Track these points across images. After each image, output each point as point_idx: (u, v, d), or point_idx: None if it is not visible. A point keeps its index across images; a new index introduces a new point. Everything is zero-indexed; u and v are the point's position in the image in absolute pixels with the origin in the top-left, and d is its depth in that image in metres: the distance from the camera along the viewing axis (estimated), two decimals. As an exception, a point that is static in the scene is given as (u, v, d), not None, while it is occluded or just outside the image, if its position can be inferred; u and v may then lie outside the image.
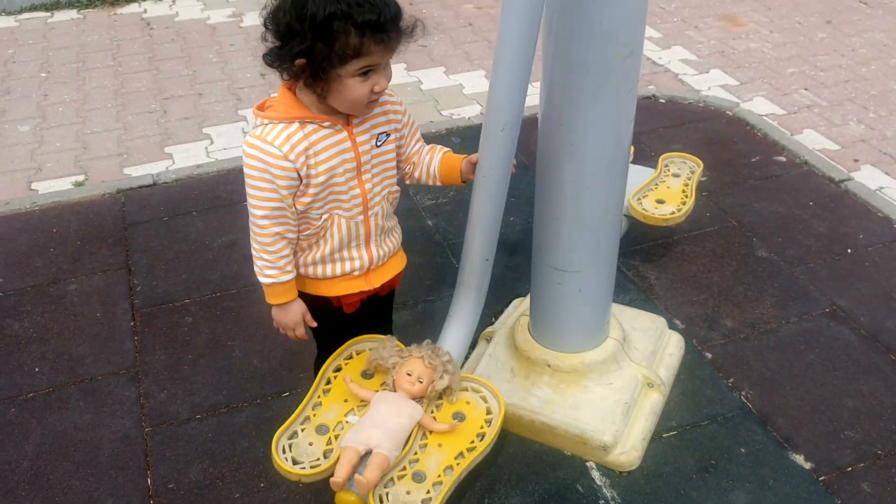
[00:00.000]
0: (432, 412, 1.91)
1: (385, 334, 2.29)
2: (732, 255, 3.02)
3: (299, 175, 1.69)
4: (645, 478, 2.16)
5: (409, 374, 1.88)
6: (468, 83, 4.54)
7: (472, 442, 1.84)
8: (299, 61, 1.59)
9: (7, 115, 4.33)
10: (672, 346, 2.46)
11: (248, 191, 1.69)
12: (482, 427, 1.87)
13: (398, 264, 2.02)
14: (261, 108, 1.72)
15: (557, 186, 1.97)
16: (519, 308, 2.58)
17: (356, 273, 1.90)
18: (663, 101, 4.24)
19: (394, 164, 1.87)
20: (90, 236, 3.24)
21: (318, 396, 1.93)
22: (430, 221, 3.26)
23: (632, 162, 3.09)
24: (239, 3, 5.69)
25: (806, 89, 4.41)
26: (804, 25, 5.25)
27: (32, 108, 4.38)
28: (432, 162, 1.91)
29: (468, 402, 1.93)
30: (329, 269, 1.88)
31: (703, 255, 3.03)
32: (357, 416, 1.88)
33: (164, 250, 3.14)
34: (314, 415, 1.89)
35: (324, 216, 1.79)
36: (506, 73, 1.67)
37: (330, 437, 1.83)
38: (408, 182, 1.98)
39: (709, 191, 3.40)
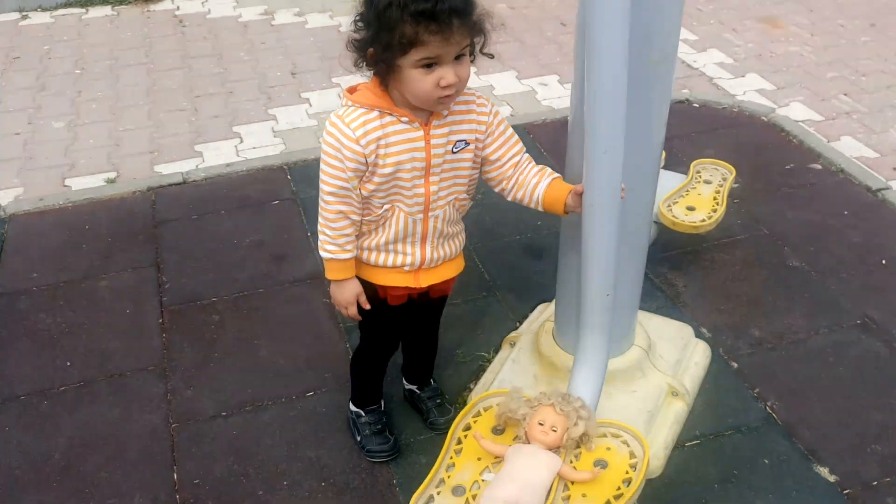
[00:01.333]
0: (571, 461, 1.83)
1: (428, 339, 2.32)
2: (763, 263, 2.99)
3: (367, 161, 1.72)
4: (666, 486, 2.15)
5: (541, 424, 1.81)
6: (499, 84, 4.53)
7: (619, 489, 1.75)
8: (370, 50, 1.64)
9: (42, 111, 4.40)
10: (698, 356, 2.44)
11: (321, 166, 1.75)
12: (627, 472, 1.79)
13: (451, 271, 2.02)
14: (351, 91, 1.75)
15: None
16: (544, 313, 2.58)
17: (406, 268, 1.92)
18: (697, 105, 4.20)
19: (468, 172, 1.84)
20: (121, 233, 3.29)
21: (451, 457, 1.88)
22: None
23: (663, 167, 3.07)
24: (271, 1, 5.73)
25: (846, 95, 4.34)
26: (847, 28, 5.16)
27: (67, 104, 4.45)
28: (538, 187, 1.84)
29: (609, 448, 1.85)
30: (382, 258, 1.90)
31: (732, 263, 3.00)
32: (493, 473, 1.82)
33: (193, 248, 3.17)
34: (448, 476, 1.83)
35: (385, 206, 1.81)
36: (602, 91, 1.61)
37: (467, 499, 1.78)
38: (508, 199, 1.90)
39: (740, 198, 3.35)
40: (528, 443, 1.83)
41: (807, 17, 5.33)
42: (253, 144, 3.98)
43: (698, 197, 2.89)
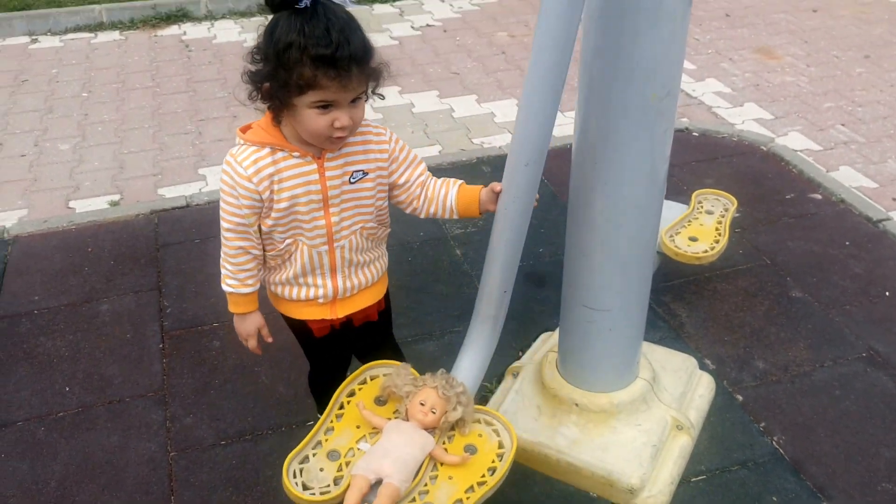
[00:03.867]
0: (444, 444, 1.89)
1: (389, 357, 2.29)
2: (765, 294, 2.98)
3: (262, 198, 1.72)
4: (673, 523, 2.12)
5: (422, 404, 1.86)
6: (500, 111, 4.55)
7: (483, 476, 1.80)
8: (265, 85, 1.63)
9: (49, 133, 4.42)
10: (702, 388, 2.42)
11: (221, 203, 1.77)
12: (493, 461, 1.84)
13: (368, 298, 2.00)
14: (243, 130, 1.77)
15: (590, 223, 1.96)
16: (547, 343, 2.56)
17: (320, 300, 1.92)
18: (696, 134, 4.21)
19: (370, 201, 1.84)
20: (123, 256, 3.28)
21: (331, 421, 1.92)
22: (458, 251, 3.25)
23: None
24: (276, 26, 5.76)
25: (843, 125, 4.36)
26: (841, 59, 5.19)
27: (73, 126, 4.48)
28: (448, 196, 1.89)
29: (480, 435, 1.90)
30: (294, 292, 1.91)
31: (735, 293, 2.98)
32: (369, 443, 1.87)
33: (195, 272, 3.17)
34: (326, 440, 1.88)
35: (287, 240, 1.82)
36: (532, 108, 1.67)
37: (341, 464, 1.82)
38: (422, 217, 1.95)
39: (742, 227, 3.35)
40: (407, 419, 1.87)
41: (801, 48, 5.37)
42: (257, 169, 3.98)
43: (700, 227, 2.88)
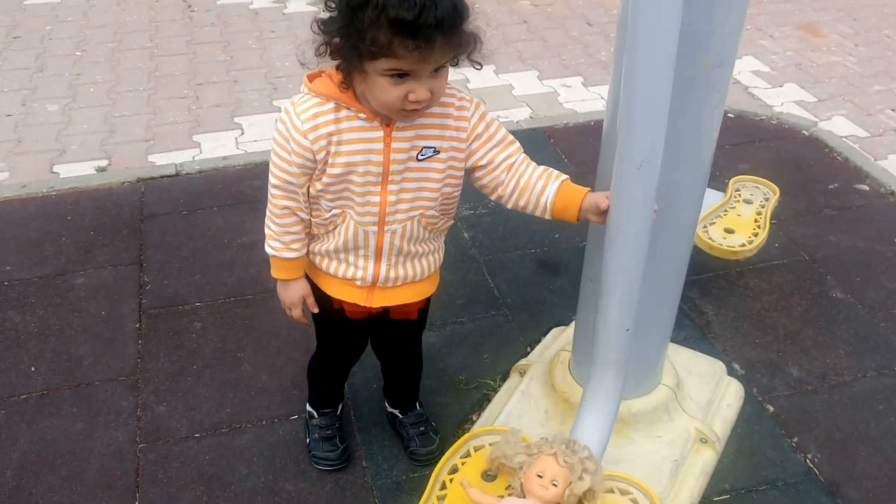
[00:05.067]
0: None
1: (406, 362, 2.06)
2: (803, 293, 2.70)
3: (315, 158, 1.52)
4: (692, 548, 1.89)
5: (540, 476, 1.56)
6: (518, 84, 4.26)
7: None
8: (335, 40, 1.41)
9: (38, 92, 4.18)
10: (730, 396, 2.17)
11: (271, 156, 1.58)
12: None
13: (413, 295, 1.77)
14: (311, 77, 1.53)
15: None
16: (559, 339, 2.31)
17: (357, 282, 1.70)
18: (732, 115, 3.89)
19: (437, 185, 1.60)
20: (105, 226, 3.05)
21: None
22: (466, 234, 2.99)
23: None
24: (284, -12, 5.49)
25: (893, 110, 4.04)
26: (893, 39, 4.86)
27: (64, 87, 4.23)
28: (545, 192, 1.58)
29: None
30: (332, 266, 1.71)
31: (769, 290, 2.71)
32: None
33: (180, 247, 2.93)
34: None
35: (334, 210, 1.60)
36: (642, 93, 1.34)
37: None
38: (509, 207, 1.65)
39: (779, 219, 3.05)
40: (523, 496, 1.58)
41: (850, 26, 5.03)
42: (254, 137, 3.74)
43: (738, 218, 2.61)
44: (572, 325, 2.13)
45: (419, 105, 1.42)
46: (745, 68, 4.48)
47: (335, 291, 1.75)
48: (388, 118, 1.50)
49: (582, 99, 4.10)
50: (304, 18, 5.04)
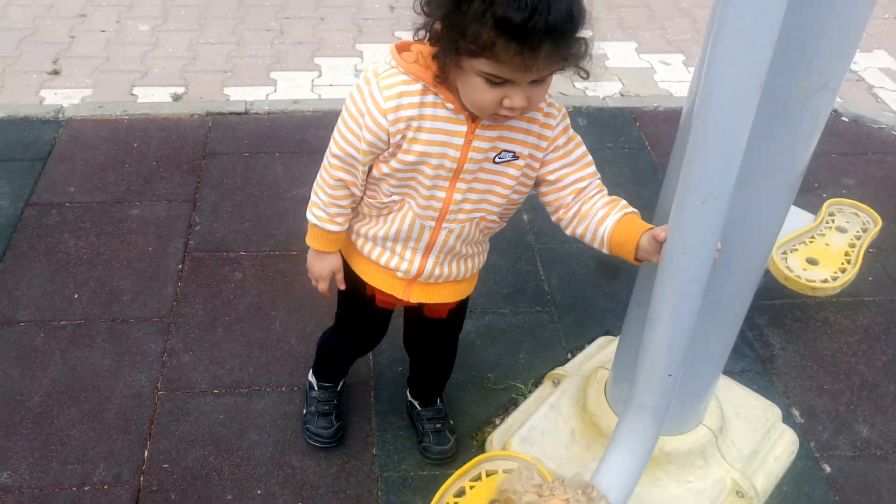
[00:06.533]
0: None
1: (436, 358, 1.97)
2: (891, 340, 2.42)
3: (389, 141, 1.40)
4: None
5: None
6: (614, 54, 3.99)
7: None
8: (438, 24, 1.28)
9: (133, 10, 4.20)
10: (781, 448, 1.96)
11: (338, 122, 1.45)
12: None
13: (451, 295, 1.68)
14: (400, 49, 1.40)
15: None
16: (603, 352, 2.17)
17: (399, 274, 1.60)
18: (846, 119, 3.51)
19: (507, 191, 1.48)
20: (167, 159, 3.05)
21: None
22: (525, 216, 2.83)
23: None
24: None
25: None
26: None
27: (158, 6, 4.23)
28: (604, 222, 1.44)
29: None
30: (375, 253, 1.60)
31: (851, 330, 2.44)
32: None
33: (236, 190, 2.90)
34: None
35: (394, 196, 1.49)
36: (718, 117, 1.14)
37: None
38: (567, 233, 1.53)
39: (877, 248, 2.71)
40: None
41: None
42: (330, 81, 3.65)
43: (825, 248, 2.29)
44: (618, 339, 1.98)
45: (513, 113, 1.31)
46: (873, 64, 4.02)
47: (373, 279, 1.65)
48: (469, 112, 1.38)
49: (680, 80, 3.81)
50: (403, -42, 4.87)
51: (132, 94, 3.50)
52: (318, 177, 1.54)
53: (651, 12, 4.41)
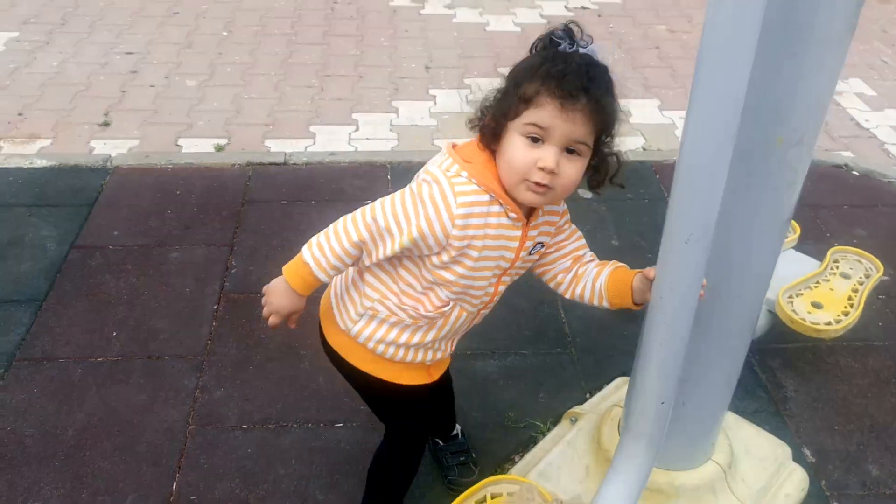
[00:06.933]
0: None
1: (440, 398, 2.01)
2: (902, 383, 2.45)
3: (441, 246, 1.43)
4: None
5: None
6: (638, 112, 4.08)
7: None
8: (490, 115, 1.44)
9: (182, 67, 4.42)
10: (791, 486, 1.97)
11: (395, 198, 1.44)
12: None
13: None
14: (459, 150, 1.47)
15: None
16: (619, 391, 2.18)
17: (427, 362, 1.65)
18: (857, 173, 3.58)
19: (525, 272, 1.62)
20: (208, 205, 3.18)
21: None
22: (550, 262, 2.89)
23: (794, 246, 2.57)
24: (426, -11, 5.54)
25: None
26: None
27: (205, 64, 4.45)
28: (599, 276, 1.56)
29: None
30: (410, 355, 1.61)
31: (862, 373, 2.46)
32: None
33: (272, 235, 3.01)
34: None
35: (451, 302, 1.53)
36: (696, 164, 1.25)
37: None
38: (567, 297, 1.62)
39: (888, 295, 2.77)
40: None
41: None
42: (367, 135, 3.79)
43: (829, 293, 2.36)
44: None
45: (544, 177, 1.36)
46: (886, 122, 4.09)
47: (399, 377, 1.63)
48: (527, 211, 1.48)
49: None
50: (438, 21, 5.07)
51: (177, 145, 3.67)
52: (337, 225, 1.50)
53: (674, 72, 4.52)
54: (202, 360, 2.46)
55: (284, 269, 1.55)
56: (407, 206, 1.42)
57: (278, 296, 1.57)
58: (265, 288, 1.60)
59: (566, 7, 5.34)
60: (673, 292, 1.36)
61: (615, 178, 1.47)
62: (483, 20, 5.09)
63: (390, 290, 1.54)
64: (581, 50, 1.38)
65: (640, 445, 1.57)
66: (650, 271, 1.43)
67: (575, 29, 1.40)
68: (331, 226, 1.51)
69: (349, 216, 1.48)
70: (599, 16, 5.26)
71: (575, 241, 1.61)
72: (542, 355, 2.49)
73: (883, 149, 3.88)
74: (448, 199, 1.39)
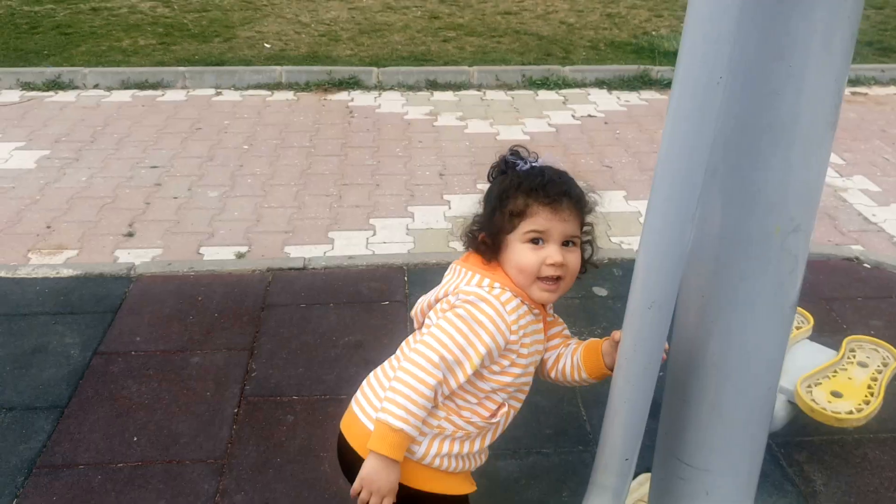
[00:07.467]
0: None
1: None
2: (934, 477, 2.39)
3: (502, 354, 1.58)
4: None
5: None
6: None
7: None
8: (482, 235, 1.62)
9: (204, 179, 4.59)
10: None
11: (448, 330, 1.52)
12: None
13: None
14: (477, 263, 1.63)
15: (694, 367, 1.60)
16: (642, 487, 2.16)
17: (476, 468, 1.72)
18: (868, 266, 3.62)
19: None
20: (228, 311, 3.23)
21: None
22: (568, 360, 2.91)
23: (809, 337, 2.58)
24: (439, 103, 5.79)
25: None
26: None
27: (227, 176, 4.63)
28: (577, 351, 1.71)
29: None
30: (462, 465, 1.66)
31: (891, 466, 2.42)
32: None
33: (291, 339, 3.05)
34: None
35: (505, 404, 1.64)
36: (659, 235, 1.35)
37: None
38: (551, 377, 1.76)
39: None
40: None
41: None
42: (384, 239, 3.88)
43: (848, 382, 2.35)
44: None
45: (555, 271, 1.55)
46: (892, 216, 4.19)
47: (450, 487, 1.64)
48: (542, 310, 1.65)
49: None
50: (450, 131, 5.28)
51: (199, 253, 3.77)
52: (404, 382, 1.48)
53: (687, 172, 4.64)
54: (222, 463, 2.45)
55: (372, 446, 1.49)
56: (465, 332, 1.53)
57: (384, 476, 1.49)
58: (359, 480, 1.52)
59: (573, 116, 5.55)
60: (637, 354, 1.46)
61: (591, 259, 1.66)
62: (494, 130, 5.30)
63: (449, 409, 1.60)
64: (539, 163, 1.61)
65: (605, 498, 1.66)
66: (616, 334, 1.55)
67: (521, 150, 1.64)
68: (395, 385, 1.50)
69: (410, 367, 1.50)
70: (606, 123, 5.47)
71: (560, 326, 1.77)
72: (564, 453, 2.46)
73: (892, 242, 3.95)
74: (500, 311, 1.54)
